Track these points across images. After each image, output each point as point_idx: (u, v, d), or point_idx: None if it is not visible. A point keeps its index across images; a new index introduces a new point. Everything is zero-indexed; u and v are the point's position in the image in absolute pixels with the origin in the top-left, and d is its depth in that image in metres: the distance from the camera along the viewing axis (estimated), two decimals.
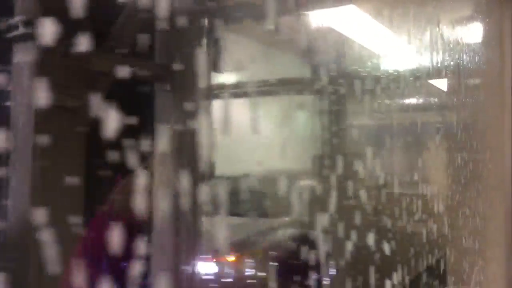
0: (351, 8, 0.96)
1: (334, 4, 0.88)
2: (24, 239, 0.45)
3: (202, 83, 0.60)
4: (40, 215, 0.42)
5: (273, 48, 0.71)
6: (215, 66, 0.63)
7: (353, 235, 0.81)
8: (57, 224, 0.42)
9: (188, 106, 0.60)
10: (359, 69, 0.91)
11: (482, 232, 1.47)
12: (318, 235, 0.74)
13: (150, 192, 0.63)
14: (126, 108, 0.49)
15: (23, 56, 0.46)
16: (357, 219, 0.78)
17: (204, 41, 0.61)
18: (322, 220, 0.75)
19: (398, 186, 0.96)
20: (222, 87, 0.65)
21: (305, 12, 0.77)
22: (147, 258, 0.55)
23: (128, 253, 0.56)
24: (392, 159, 1.03)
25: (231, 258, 0.56)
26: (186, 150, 0.61)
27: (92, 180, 0.52)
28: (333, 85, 0.82)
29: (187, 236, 0.60)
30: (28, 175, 0.46)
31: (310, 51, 0.79)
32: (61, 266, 0.44)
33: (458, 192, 1.37)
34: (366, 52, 0.96)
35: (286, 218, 0.59)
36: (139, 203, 0.63)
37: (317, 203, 0.76)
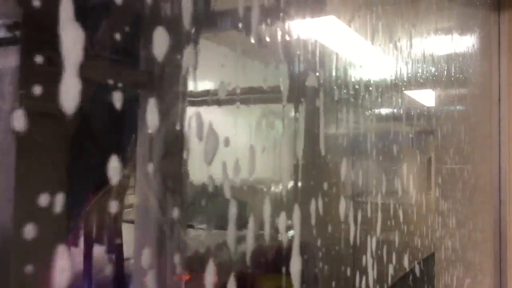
0: (330, 18, 0.96)
1: (313, 14, 0.88)
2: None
3: (182, 90, 0.59)
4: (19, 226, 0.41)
5: (250, 56, 0.71)
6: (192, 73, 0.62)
7: (334, 247, 0.80)
8: (34, 237, 0.41)
9: (168, 112, 0.58)
10: (339, 79, 0.91)
11: (472, 244, 1.45)
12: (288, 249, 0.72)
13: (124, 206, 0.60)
14: (108, 115, 0.47)
15: (5, 61, 0.45)
16: (335, 229, 0.76)
17: (187, 47, 0.59)
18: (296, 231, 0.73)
19: (379, 196, 0.95)
20: (200, 94, 0.64)
21: (283, 21, 0.77)
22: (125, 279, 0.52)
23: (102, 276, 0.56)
24: (372, 168, 1.02)
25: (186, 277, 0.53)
26: (166, 158, 0.59)
27: (73, 190, 0.50)
28: (311, 94, 0.81)
29: (170, 252, 0.58)
30: (9, 182, 0.44)
31: (287, 60, 0.78)
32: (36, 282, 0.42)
33: (446, 203, 1.37)
34: (346, 62, 0.95)
35: (252, 231, 0.57)
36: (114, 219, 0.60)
37: (292, 213, 0.74)
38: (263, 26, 0.74)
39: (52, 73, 0.45)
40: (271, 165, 0.74)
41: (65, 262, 0.42)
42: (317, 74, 0.85)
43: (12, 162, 0.44)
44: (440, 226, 1.23)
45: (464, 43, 1.63)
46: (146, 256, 0.51)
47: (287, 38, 0.83)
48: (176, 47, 0.59)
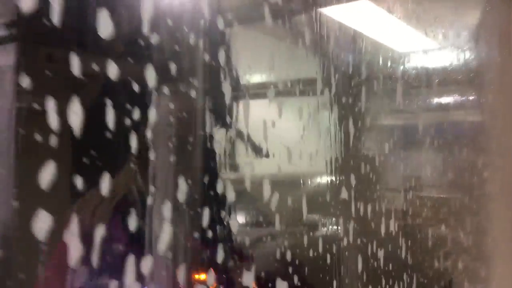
0: (365, 3, 0.88)
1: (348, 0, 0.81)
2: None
3: (209, 85, 0.56)
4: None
5: (290, 45, 0.66)
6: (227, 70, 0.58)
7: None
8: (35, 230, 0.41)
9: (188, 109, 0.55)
10: (378, 67, 0.85)
11: (489, 245, 1.41)
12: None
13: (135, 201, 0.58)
14: (117, 111, 0.46)
15: (4, 59, 0.44)
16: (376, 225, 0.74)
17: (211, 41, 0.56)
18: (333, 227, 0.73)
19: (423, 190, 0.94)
20: (238, 88, 0.61)
21: (320, 9, 0.71)
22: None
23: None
24: (410, 160, 1.00)
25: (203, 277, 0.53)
26: (185, 156, 0.57)
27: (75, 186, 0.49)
28: (351, 84, 0.77)
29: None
30: (8, 179, 0.44)
31: (327, 50, 0.73)
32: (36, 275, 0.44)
33: (460, 198, 1.31)
34: (386, 50, 0.88)
35: (278, 228, 0.53)
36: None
37: (330, 209, 0.74)
38: (309, 17, 0.68)
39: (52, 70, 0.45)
40: (321, 158, 0.72)
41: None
42: (362, 64, 0.80)
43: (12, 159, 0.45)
44: (460, 229, 1.18)
45: (488, 29, 1.56)
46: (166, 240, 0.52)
47: (333, 29, 0.75)
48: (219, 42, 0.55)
